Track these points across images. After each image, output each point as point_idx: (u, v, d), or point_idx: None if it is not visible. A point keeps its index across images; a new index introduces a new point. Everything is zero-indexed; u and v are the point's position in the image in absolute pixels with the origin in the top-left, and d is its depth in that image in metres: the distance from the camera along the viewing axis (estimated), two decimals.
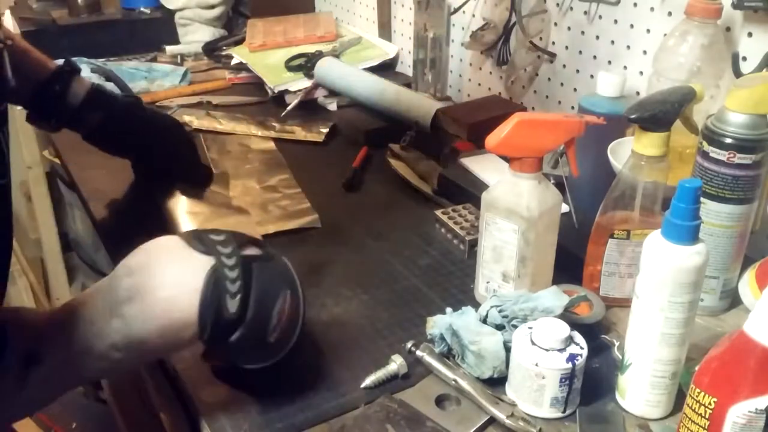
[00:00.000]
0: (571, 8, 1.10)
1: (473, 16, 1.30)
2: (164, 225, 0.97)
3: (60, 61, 0.94)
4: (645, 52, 1.00)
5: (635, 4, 1.00)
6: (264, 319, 0.60)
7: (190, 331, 0.58)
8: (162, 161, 1.04)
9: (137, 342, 0.57)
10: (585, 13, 1.09)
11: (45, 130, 1.01)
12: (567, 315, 0.71)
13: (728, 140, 0.71)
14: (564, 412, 0.66)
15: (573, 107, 1.13)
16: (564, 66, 1.15)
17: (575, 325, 0.68)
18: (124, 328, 0.57)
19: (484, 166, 1.02)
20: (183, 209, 1.00)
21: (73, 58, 0.97)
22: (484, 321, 0.71)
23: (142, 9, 1.75)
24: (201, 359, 0.68)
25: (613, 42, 1.05)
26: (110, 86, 1.24)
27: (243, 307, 0.58)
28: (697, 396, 0.55)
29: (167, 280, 0.58)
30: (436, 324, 0.72)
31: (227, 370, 0.68)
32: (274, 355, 0.63)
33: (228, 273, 0.58)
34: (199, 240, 0.60)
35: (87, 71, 1.31)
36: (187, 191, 1.03)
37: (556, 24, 1.14)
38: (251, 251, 0.62)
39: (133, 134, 1.00)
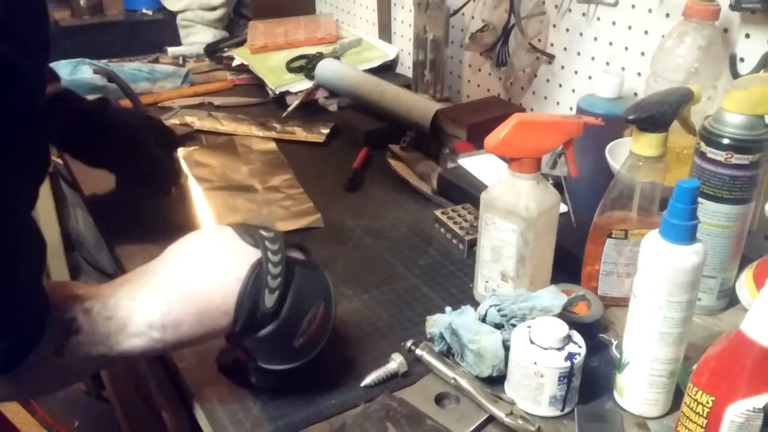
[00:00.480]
0: (570, 10, 1.11)
1: (472, 17, 1.30)
2: (165, 223, 0.97)
3: None
4: (643, 54, 1.01)
5: (633, 6, 1.00)
6: (296, 321, 0.61)
7: (226, 318, 0.59)
8: (132, 161, 1.02)
9: (174, 323, 0.58)
10: (583, 14, 1.09)
11: None
12: (565, 314, 0.72)
13: (726, 141, 0.71)
14: (562, 410, 0.66)
15: (571, 108, 1.14)
16: (562, 67, 1.15)
17: (574, 324, 0.68)
18: (164, 307, 0.58)
19: (483, 167, 1.02)
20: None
21: (76, 60, 0.98)
22: (483, 320, 0.72)
23: (144, 10, 1.75)
24: (221, 354, 0.70)
25: (611, 43, 1.05)
26: (112, 87, 1.24)
27: (279, 303, 0.60)
28: (694, 395, 0.56)
29: (212, 266, 0.60)
30: (436, 323, 0.72)
31: (234, 370, 0.69)
32: (294, 360, 0.64)
33: (271, 268, 0.60)
34: (248, 233, 0.62)
35: (89, 72, 1.31)
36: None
37: (554, 25, 1.15)
38: (295, 254, 0.64)
39: (101, 138, 0.99)
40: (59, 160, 1.21)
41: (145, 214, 1.00)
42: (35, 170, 0.57)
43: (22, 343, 0.53)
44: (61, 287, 0.59)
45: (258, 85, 1.48)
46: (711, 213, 0.74)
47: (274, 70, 1.46)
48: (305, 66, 1.43)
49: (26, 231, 0.54)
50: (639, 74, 1.02)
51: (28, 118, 0.52)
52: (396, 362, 0.70)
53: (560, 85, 1.17)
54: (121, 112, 1.08)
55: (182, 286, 0.59)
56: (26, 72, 0.50)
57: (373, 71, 1.45)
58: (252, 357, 0.64)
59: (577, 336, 0.67)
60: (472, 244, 0.88)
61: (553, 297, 0.71)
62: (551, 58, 1.16)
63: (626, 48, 1.03)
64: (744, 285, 0.79)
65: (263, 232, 0.62)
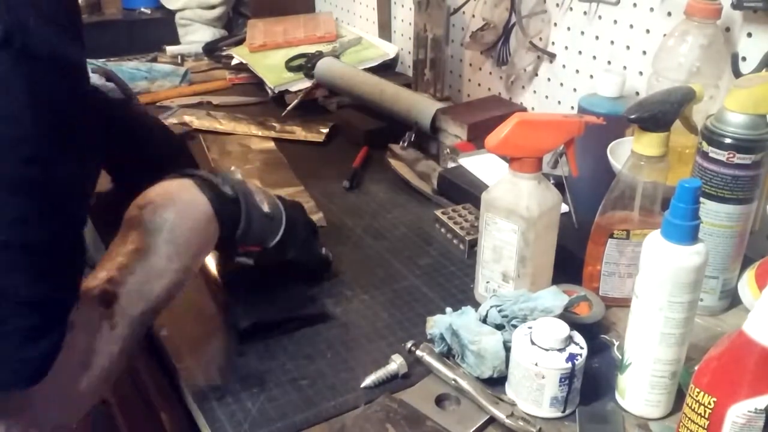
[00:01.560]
0: (571, 8, 1.11)
1: (473, 16, 1.30)
2: None
3: None
4: (644, 53, 1.00)
5: (635, 5, 1.00)
6: (248, 194, 0.75)
7: (213, 224, 0.69)
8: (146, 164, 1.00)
9: (184, 244, 0.65)
10: (585, 13, 1.09)
11: None
12: (566, 315, 0.71)
13: (728, 140, 0.71)
14: (564, 411, 0.66)
15: (573, 107, 1.14)
16: (564, 66, 1.15)
17: (575, 324, 0.68)
18: (169, 235, 0.64)
19: (484, 166, 1.02)
20: None
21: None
22: (484, 321, 0.71)
23: (142, 9, 1.75)
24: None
25: (612, 42, 1.05)
26: (111, 86, 1.24)
27: (235, 193, 0.72)
28: (696, 396, 0.55)
29: (180, 196, 0.69)
30: (436, 324, 0.72)
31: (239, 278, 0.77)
32: (278, 222, 0.77)
33: (214, 180, 0.72)
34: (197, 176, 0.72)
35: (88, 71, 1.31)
36: None
37: (555, 24, 1.14)
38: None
39: (122, 136, 0.97)
40: None
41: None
42: (93, 163, 0.58)
43: (57, 346, 0.52)
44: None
45: (257, 84, 1.48)
46: (713, 213, 0.74)
47: (273, 69, 1.46)
48: (304, 65, 1.42)
49: (73, 224, 0.55)
50: (641, 73, 1.01)
51: (91, 116, 0.54)
52: (396, 363, 0.70)
53: (561, 84, 1.16)
54: (137, 113, 1.07)
55: (172, 209, 0.66)
56: (86, 70, 0.53)
57: (372, 70, 1.45)
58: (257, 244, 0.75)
59: (578, 337, 0.66)
60: (473, 245, 0.87)
61: (555, 297, 0.71)
62: (552, 56, 1.16)
63: (628, 47, 1.03)
64: (746, 285, 0.79)
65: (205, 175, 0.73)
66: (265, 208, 0.76)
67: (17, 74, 0.45)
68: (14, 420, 0.52)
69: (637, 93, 1.01)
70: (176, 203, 0.67)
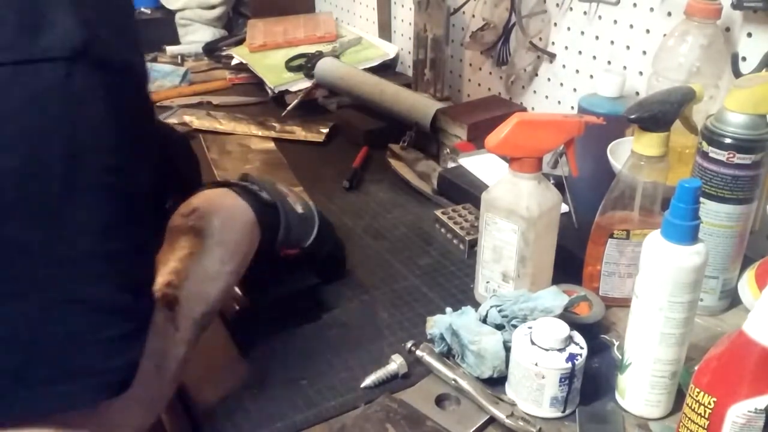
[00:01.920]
0: (571, 8, 1.11)
1: (473, 16, 1.30)
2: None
3: None
4: (644, 53, 1.00)
5: (635, 5, 1.00)
6: (283, 198, 0.77)
7: (256, 229, 0.71)
8: (158, 171, 1.01)
9: (233, 247, 0.67)
10: (585, 13, 1.09)
11: None
12: (566, 315, 0.71)
13: (728, 140, 0.71)
14: (564, 411, 0.66)
15: (573, 107, 1.14)
16: (564, 66, 1.15)
17: (575, 324, 0.68)
18: (219, 238, 0.66)
19: (484, 166, 1.02)
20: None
21: None
22: (484, 321, 0.71)
23: (142, 9, 1.75)
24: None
25: (612, 42, 1.05)
26: None
27: (273, 199, 0.75)
28: (696, 396, 0.55)
29: (223, 202, 0.71)
30: (436, 324, 0.72)
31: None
32: (314, 222, 0.80)
33: (251, 187, 0.74)
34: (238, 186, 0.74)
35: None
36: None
37: (555, 24, 1.14)
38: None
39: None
40: None
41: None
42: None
43: (142, 346, 0.52)
44: None
45: (257, 84, 1.48)
46: (713, 213, 0.74)
47: (273, 69, 1.46)
48: (304, 65, 1.42)
49: (151, 228, 0.55)
50: (641, 73, 1.01)
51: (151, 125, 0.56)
52: (396, 363, 0.70)
53: (561, 84, 1.16)
54: (161, 125, 1.06)
55: (218, 216, 0.67)
56: (148, 81, 0.53)
57: (372, 70, 1.45)
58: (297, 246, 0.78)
59: (578, 337, 0.66)
60: (473, 245, 0.87)
61: (554, 297, 0.71)
62: (552, 56, 1.16)
63: (628, 47, 1.03)
64: (746, 285, 0.79)
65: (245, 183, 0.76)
66: (299, 209, 0.78)
67: (96, 84, 0.45)
68: (95, 429, 0.51)
69: (637, 93, 1.01)
70: (221, 209, 0.69)
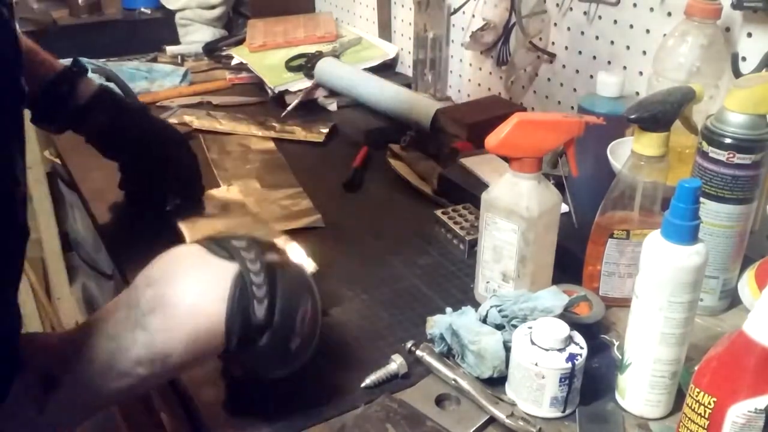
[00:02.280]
0: (571, 8, 1.11)
1: (473, 16, 1.30)
2: (166, 226, 0.97)
3: (67, 61, 0.92)
4: (644, 53, 1.00)
5: (635, 5, 1.00)
6: (289, 325, 0.59)
7: (217, 339, 0.56)
8: (158, 172, 0.96)
9: (162, 355, 0.55)
10: (585, 13, 1.09)
11: (49, 132, 0.99)
12: (567, 315, 0.71)
13: (728, 140, 0.71)
14: (564, 411, 0.66)
15: (573, 107, 1.13)
16: (564, 66, 1.15)
17: (575, 324, 0.68)
18: (148, 341, 0.55)
19: (484, 166, 1.02)
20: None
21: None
22: (484, 321, 0.71)
23: (142, 9, 1.75)
24: (222, 372, 0.68)
25: (612, 42, 1.05)
26: (111, 86, 1.24)
27: (270, 312, 0.57)
28: (696, 396, 0.55)
29: (191, 289, 0.56)
30: (436, 324, 0.72)
31: (244, 383, 0.67)
32: (295, 363, 0.62)
33: (254, 278, 0.57)
34: (220, 246, 0.59)
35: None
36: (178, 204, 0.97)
37: (555, 24, 1.14)
38: (272, 257, 0.61)
39: (135, 141, 0.96)
40: (57, 160, 1.21)
41: (143, 214, 1.00)
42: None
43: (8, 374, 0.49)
44: (32, 340, 0.55)
45: (257, 84, 1.48)
46: (713, 213, 0.74)
47: (273, 69, 1.46)
48: (304, 65, 1.42)
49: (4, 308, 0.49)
50: (641, 73, 1.01)
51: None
52: (396, 363, 0.70)
53: (561, 84, 1.16)
54: (162, 123, 1.03)
55: (162, 316, 0.55)
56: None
57: (373, 70, 1.45)
58: (249, 371, 0.62)
59: (578, 337, 0.66)
60: (473, 245, 0.87)
61: (555, 297, 0.71)
62: (552, 57, 1.16)
63: (628, 47, 1.03)
64: (746, 285, 0.79)
65: (235, 242, 0.59)
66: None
67: None
68: None
69: (637, 93, 1.01)
70: (171, 277, 0.57)
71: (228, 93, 1.47)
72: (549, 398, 0.65)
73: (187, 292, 0.56)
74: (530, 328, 0.66)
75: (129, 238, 0.94)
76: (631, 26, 1.02)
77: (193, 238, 0.91)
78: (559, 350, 0.64)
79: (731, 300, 0.80)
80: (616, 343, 0.73)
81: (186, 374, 0.70)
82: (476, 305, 0.74)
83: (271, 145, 1.23)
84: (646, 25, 0.99)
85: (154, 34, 1.69)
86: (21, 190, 0.49)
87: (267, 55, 1.53)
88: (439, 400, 0.68)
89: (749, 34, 0.87)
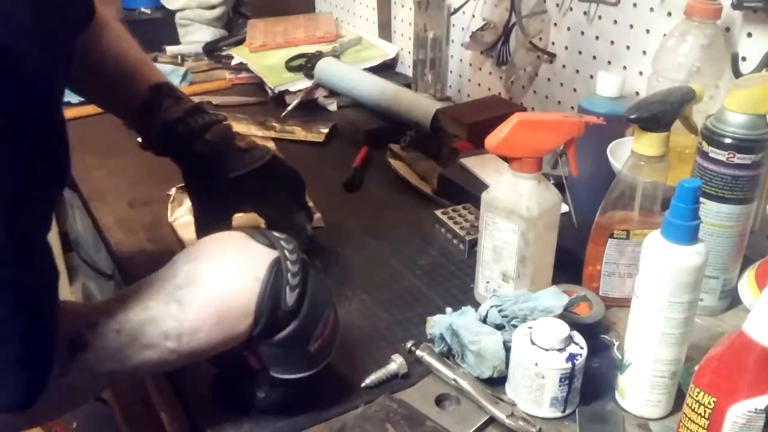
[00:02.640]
0: (571, 8, 1.11)
1: (473, 16, 1.30)
2: (164, 223, 0.97)
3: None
4: (644, 53, 1.00)
5: (635, 5, 1.00)
6: (314, 322, 0.60)
7: (245, 321, 0.57)
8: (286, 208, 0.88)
9: (190, 330, 0.56)
10: (585, 13, 1.09)
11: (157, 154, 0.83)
12: (566, 315, 0.71)
13: (728, 140, 0.71)
14: (564, 411, 0.66)
15: (573, 107, 1.14)
16: (564, 66, 1.15)
17: (575, 324, 0.68)
18: (179, 314, 0.56)
19: (484, 166, 1.02)
20: (186, 210, 0.99)
21: None
22: (484, 321, 0.71)
23: (142, 9, 1.75)
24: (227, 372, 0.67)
25: (612, 42, 1.05)
26: None
27: (299, 302, 0.58)
28: (696, 396, 0.55)
29: (228, 267, 0.58)
30: (436, 324, 0.72)
31: (243, 383, 0.66)
32: (309, 367, 0.62)
33: (290, 266, 0.58)
34: (262, 235, 0.61)
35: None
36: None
37: (555, 24, 1.14)
38: (305, 257, 0.62)
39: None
40: None
41: (143, 213, 1.00)
42: (49, 182, 0.51)
43: (42, 375, 0.51)
44: (63, 305, 0.55)
45: (257, 84, 1.48)
46: (713, 213, 0.74)
47: (273, 69, 1.46)
48: (304, 65, 1.42)
49: (44, 255, 0.50)
50: (641, 73, 1.01)
51: (31, 118, 0.46)
52: (396, 363, 0.70)
53: (561, 85, 1.16)
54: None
55: (198, 290, 0.57)
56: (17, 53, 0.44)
57: (373, 70, 1.45)
58: (265, 366, 0.62)
59: (578, 337, 0.66)
60: (473, 245, 0.87)
61: (554, 297, 0.71)
62: (552, 57, 1.16)
63: (628, 47, 1.03)
64: (746, 285, 0.79)
65: (276, 234, 0.61)
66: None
67: None
68: None
69: (637, 93, 1.01)
70: (210, 258, 0.58)
71: (228, 93, 1.47)
72: (549, 398, 0.65)
73: (224, 270, 0.58)
74: (530, 328, 0.66)
75: (129, 238, 0.94)
76: (631, 26, 1.02)
77: (188, 237, 0.91)
78: (559, 350, 0.64)
79: (731, 300, 0.80)
80: (616, 343, 0.73)
81: (185, 374, 0.70)
82: (476, 305, 0.74)
83: (271, 145, 1.23)
84: (646, 25, 0.99)
85: (154, 34, 1.69)
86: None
87: (267, 55, 1.53)
88: (439, 400, 0.68)
89: (749, 34, 0.87)
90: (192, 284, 0.57)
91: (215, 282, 0.57)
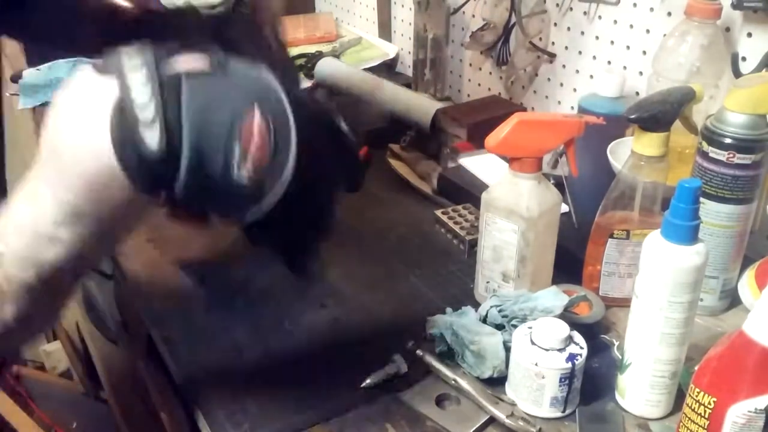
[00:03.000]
0: (571, 8, 1.11)
1: (473, 16, 1.30)
2: (163, 219, 0.97)
3: None
4: (644, 53, 1.00)
5: (635, 5, 1.00)
6: (214, 148, 0.45)
7: (118, 180, 0.45)
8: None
9: (72, 208, 0.47)
10: (585, 13, 1.09)
11: None
12: (566, 315, 0.71)
13: (728, 140, 0.71)
14: (564, 411, 0.66)
15: (573, 107, 1.14)
16: (564, 66, 1.15)
17: (575, 324, 0.68)
18: (52, 195, 0.47)
19: (484, 166, 1.02)
20: None
21: (74, 59, 0.94)
22: (484, 321, 0.71)
23: None
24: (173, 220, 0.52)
25: (612, 42, 1.05)
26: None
27: (169, 136, 0.44)
28: (696, 396, 0.55)
29: (71, 127, 0.46)
30: (436, 324, 0.72)
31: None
32: (255, 199, 0.48)
33: (135, 96, 0.44)
34: (108, 62, 0.47)
35: None
36: None
37: (555, 24, 1.14)
38: (188, 64, 0.46)
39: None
40: None
41: None
42: None
43: None
44: None
45: None
46: (713, 213, 0.74)
47: None
48: (304, 65, 1.42)
49: None
50: (641, 73, 1.01)
51: None
52: (396, 363, 0.70)
53: (561, 84, 1.16)
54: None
55: (54, 165, 0.47)
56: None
57: (373, 70, 1.45)
58: (201, 212, 0.50)
59: (578, 337, 0.66)
60: (473, 245, 0.87)
61: (555, 297, 0.71)
62: (552, 57, 1.16)
63: (628, 47, 1.03)
64: (746, 285, 0.79)
65: (123, 54, 0.46)
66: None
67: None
68: None
69: (637, 93, 1.01)
70: (58, 143, 0.47)
71: None
72: (549, 398, 0.65)
73: (68, 130, 0.47)
74: (530, 328, 0.66)
75: (129, 238, 0.94)
76: (631, 26, 1.02)
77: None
78: (559, 350, 0.64)
79: (731, 300, 0.80)
80: (616, 343, 0.73)
81: (185, 373, 0.70)
82: (476, 305, 0.74)
83: None
84: (646, 25, 0.99)
85: None
86: None
87: None
88: (439, 400, 0.68)
89: (749, 34, 0.87)
90: (48, 161, 0.48)
91: (64, 147, 0.47)
